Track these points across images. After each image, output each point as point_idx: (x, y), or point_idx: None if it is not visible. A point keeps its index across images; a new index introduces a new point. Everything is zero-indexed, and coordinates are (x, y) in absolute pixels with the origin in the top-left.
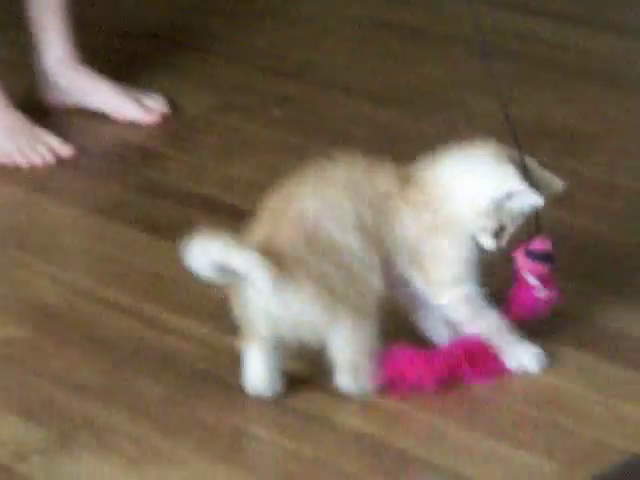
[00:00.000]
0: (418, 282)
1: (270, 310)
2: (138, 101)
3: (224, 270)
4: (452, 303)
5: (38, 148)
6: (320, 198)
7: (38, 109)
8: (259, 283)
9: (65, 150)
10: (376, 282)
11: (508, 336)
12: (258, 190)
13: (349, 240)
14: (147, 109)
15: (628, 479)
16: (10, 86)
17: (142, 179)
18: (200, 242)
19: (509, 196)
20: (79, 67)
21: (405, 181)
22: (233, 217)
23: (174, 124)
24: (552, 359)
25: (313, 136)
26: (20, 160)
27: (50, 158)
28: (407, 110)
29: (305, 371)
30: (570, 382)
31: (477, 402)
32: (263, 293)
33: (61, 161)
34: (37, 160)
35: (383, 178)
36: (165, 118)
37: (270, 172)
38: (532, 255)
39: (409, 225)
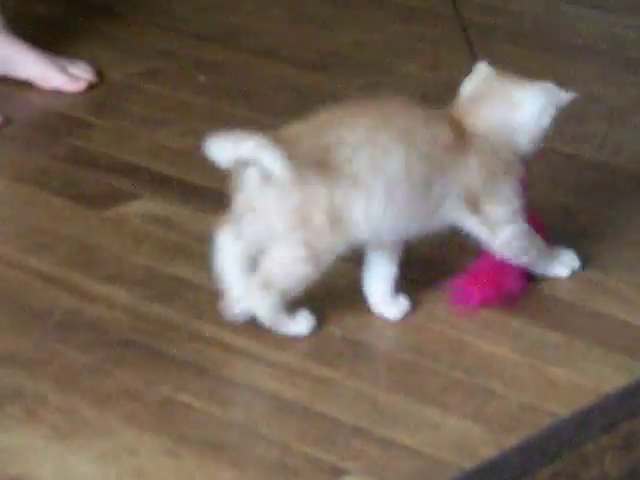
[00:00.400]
0: (471, 224)
1: (258, 196)
2: (63, 69)
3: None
4: (507, 239)
5: None
6: (370, 139)
7: None
8: (267, 163)
9: None
10: (359, 233)
11: (550, 256)
12: (184, 157)
13: (370, 186)
14: (72, 77)
15: None
16: None
17: (68, 147)
18: (217, 139)
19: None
20: (2, 34)
21: (459, 130)
22: (160, 184)
23: (99, 91)
24: (480, 324)
25: (238, 102)
26: None
27: None
28: (332, 74)
29: (233, 339)
30: (498, 346)
31: (405, 367)
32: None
33: None
34: None
35: (442, 131)
36: (90, 86)
37: (196, 139)
38: None
39: (472, 174)
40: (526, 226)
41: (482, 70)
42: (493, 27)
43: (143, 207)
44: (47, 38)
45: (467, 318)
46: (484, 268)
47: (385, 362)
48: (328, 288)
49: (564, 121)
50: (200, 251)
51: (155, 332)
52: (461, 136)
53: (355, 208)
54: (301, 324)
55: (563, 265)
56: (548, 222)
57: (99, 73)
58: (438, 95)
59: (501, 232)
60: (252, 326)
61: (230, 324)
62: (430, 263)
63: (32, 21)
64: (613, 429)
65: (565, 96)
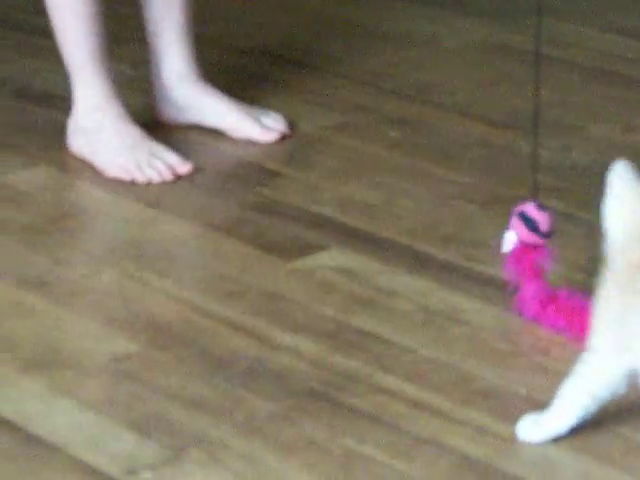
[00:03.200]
0: None
1: None
2: (256, 120)
3: None
4: None
5: (156, 164)
6: None
7: (156, 125)
8: None
9: (183, 167)
10: None
11: None
12: (373, 210)
13: None
14: (265, 128)
15: None
16: (129, 101)
17: (258, 197)
18: None
19: None
20: (199, 84)
21: None
22: (348, 236)
23: (291, 143)
24: None
25: (428, 157)
26: (138, 176)
27: (168, 175)
28: (523, 133)
29: (417, 393)
30: None
31: (589, 428)
32: None
33: (178, 177)
34: (155, 176)
35: None
36: (282, 137)
37: (385, 193)
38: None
39: None
40: None
41: None
42: None
43: (331, 259)
44: (241, 89)
45: None
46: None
47: None
48: (513, 348)
49: None
50: (387, 304)
51: (339, 383)
52: None
53: None
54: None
55: None
56: None
57: (291, 125)
58: (630, 159)
59: None
60: (436, 381)
61: (414, 378)
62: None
63: (227, 72)
64: None
65: None
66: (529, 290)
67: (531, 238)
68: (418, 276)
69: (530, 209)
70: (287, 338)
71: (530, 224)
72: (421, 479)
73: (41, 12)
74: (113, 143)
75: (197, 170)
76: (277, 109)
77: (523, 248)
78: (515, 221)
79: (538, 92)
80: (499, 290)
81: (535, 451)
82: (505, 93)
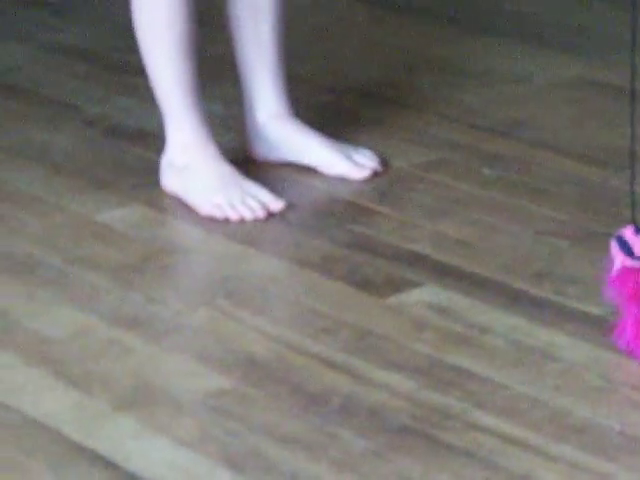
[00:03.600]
0: None
1: None
2: (348, 156)
3: None
4: None
5: (248, 202)
6: None
7: (248, 163)
8: None
9: (276, 204)
10: None
11: None
12: (467, 247)
13: None
14: (357, 164)
15: None
16: (221, 140)
17: (351, 234)
18: None
19: None
20: (291, 121)
21: None
22: (442, 273)
23: (383, 180)
24: None
25: (522, 194)
26: (231, 214)
27: (261, 212)
28: (618, 171)
29: (512, 430)
30: None
31: None
32: None
33: (270, 215)
34: (248, 214)
35: None
36: (374, 174)
37: (479, 230)
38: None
39: None
40: None
41: None
42: None
43: (425, 296)
44: (334, 127)
45: None
46: None
47: None
48: (607, 384)
49: None
50: (481, 341)
51: (434, 420)
52: None
53: None
54: None
55: None
56: None
57: (384, 162)
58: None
59: None
60: (530, 417)
61: (509, 414)
62: None
63: (319, 110)
64: None
65: None
66: (629, 315)
67: (628, 262)
68: (512, 312)
69: (627, 233)
70: (381, 374)
71: (625, 248)
72: None
73: (134, 50)
74: (206, 181)
75: (290, 207)
76: (369, 146)
77: (623, 273)
78: (613, 245)
79: (633, 128)
80: (593, 326)
81: None
82: (599, 130)
